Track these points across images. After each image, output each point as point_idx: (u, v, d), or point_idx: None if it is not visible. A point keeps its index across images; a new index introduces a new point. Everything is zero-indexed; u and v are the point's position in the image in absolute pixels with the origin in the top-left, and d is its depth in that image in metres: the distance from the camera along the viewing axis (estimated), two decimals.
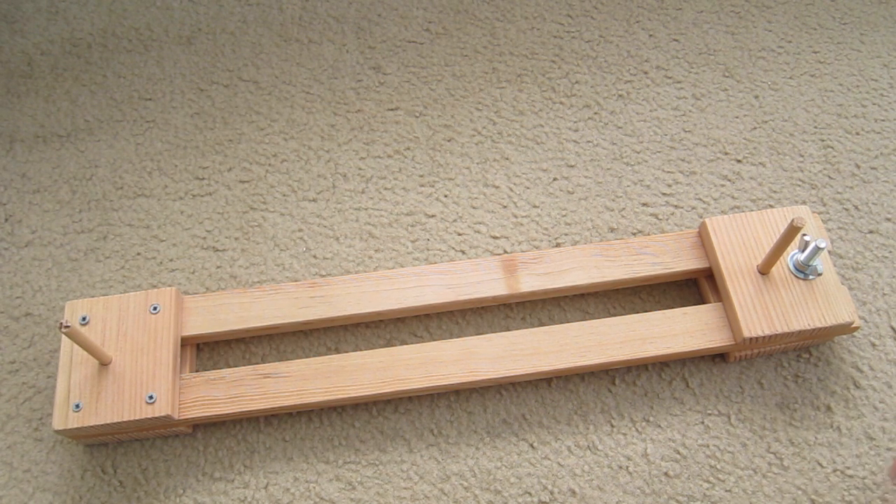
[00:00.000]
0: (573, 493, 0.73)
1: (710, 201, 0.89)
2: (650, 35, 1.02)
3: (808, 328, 0.73)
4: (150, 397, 0.73)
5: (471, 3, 1.06)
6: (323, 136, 0.96)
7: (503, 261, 0.81)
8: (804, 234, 0.73)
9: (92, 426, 0.72)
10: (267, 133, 0.96)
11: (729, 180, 0.90)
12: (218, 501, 0.74)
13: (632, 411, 0.77)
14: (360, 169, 0.93)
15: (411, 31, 1.04)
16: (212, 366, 0.82)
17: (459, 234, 0.88)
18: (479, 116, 0.96)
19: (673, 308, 0.78)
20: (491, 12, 1.05)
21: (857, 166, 0.90)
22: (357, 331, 0.83)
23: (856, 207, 0.88)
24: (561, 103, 0.97)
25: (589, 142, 0.94)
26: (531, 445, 0.76)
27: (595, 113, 0.96)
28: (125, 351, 0.75)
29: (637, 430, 0.76)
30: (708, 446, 0.75)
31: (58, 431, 0.72)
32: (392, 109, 0.98)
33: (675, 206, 0.89)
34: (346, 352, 0.81)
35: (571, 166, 0.92)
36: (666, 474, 0.74)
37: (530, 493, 0.74)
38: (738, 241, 0.78)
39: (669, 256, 0.80)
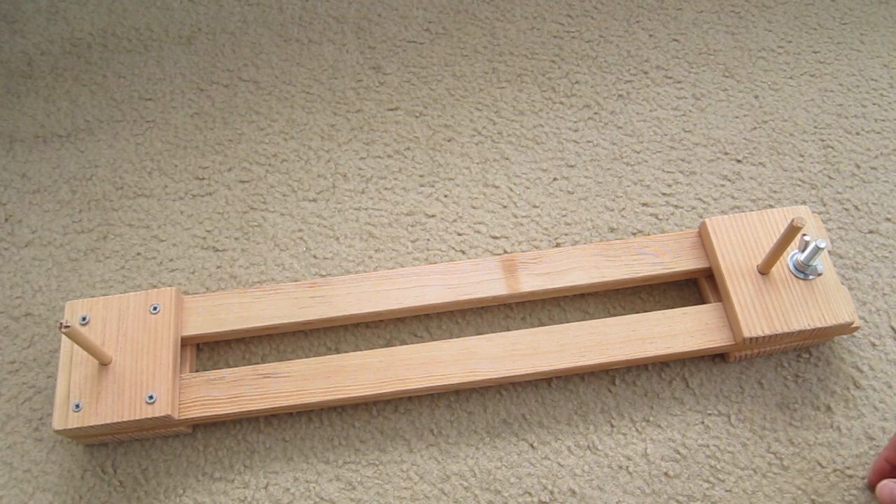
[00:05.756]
0: (573, 493, 0.73)
1: (710, 201, 0.89)
2: (650, 35, 1.02)
3: (808, 328, 0.73)
4: (150, 397, 0.73)
5: (471, 3, 1.06)
6: (323, 136, 0.96)
7: (503, 261, 0.81)
8: (804, 234, 0.73)
9: (92, 426, 0.72)
10: (267, 133, 0.96)
11: (729, 180, 0.90)
12: (218, 501, 0.74)
13: (632, 411, 0.77)
14: (360, 169, 0.93)
15: (411, 31, 1.04)
16: (212, 366, 0.82)
17: (459, 234, 0.88)
18: (479, 116, 0.96)
19: (673, 308, 0.78)
20: (491, 12, 1.05)
21: (857, 166, 0.90)
22: (357, 331, 0.83)
23: (856, 207, 0.88)
24: (561, 103, 0.97)
25: (589, 142, 0.94)
26: (531, 445, 0.76)
27: (595, 113, 0.96)
28: (125, 351, 0.75)
29: (637, 430, 0.76)
30: (708, 446, 0.75)
31: (58, 431, 0.72)
32: (392, 109, 0.98)
33: (675, 206, 0.89)
34: (346, 352, 0.81)
35: (571, 166, 0.92)
36: (666, 474, 0.74)
37: (530, 493, 0.74)
38: (738, 241, 0.78)
39: (669, 256, 0.80)
